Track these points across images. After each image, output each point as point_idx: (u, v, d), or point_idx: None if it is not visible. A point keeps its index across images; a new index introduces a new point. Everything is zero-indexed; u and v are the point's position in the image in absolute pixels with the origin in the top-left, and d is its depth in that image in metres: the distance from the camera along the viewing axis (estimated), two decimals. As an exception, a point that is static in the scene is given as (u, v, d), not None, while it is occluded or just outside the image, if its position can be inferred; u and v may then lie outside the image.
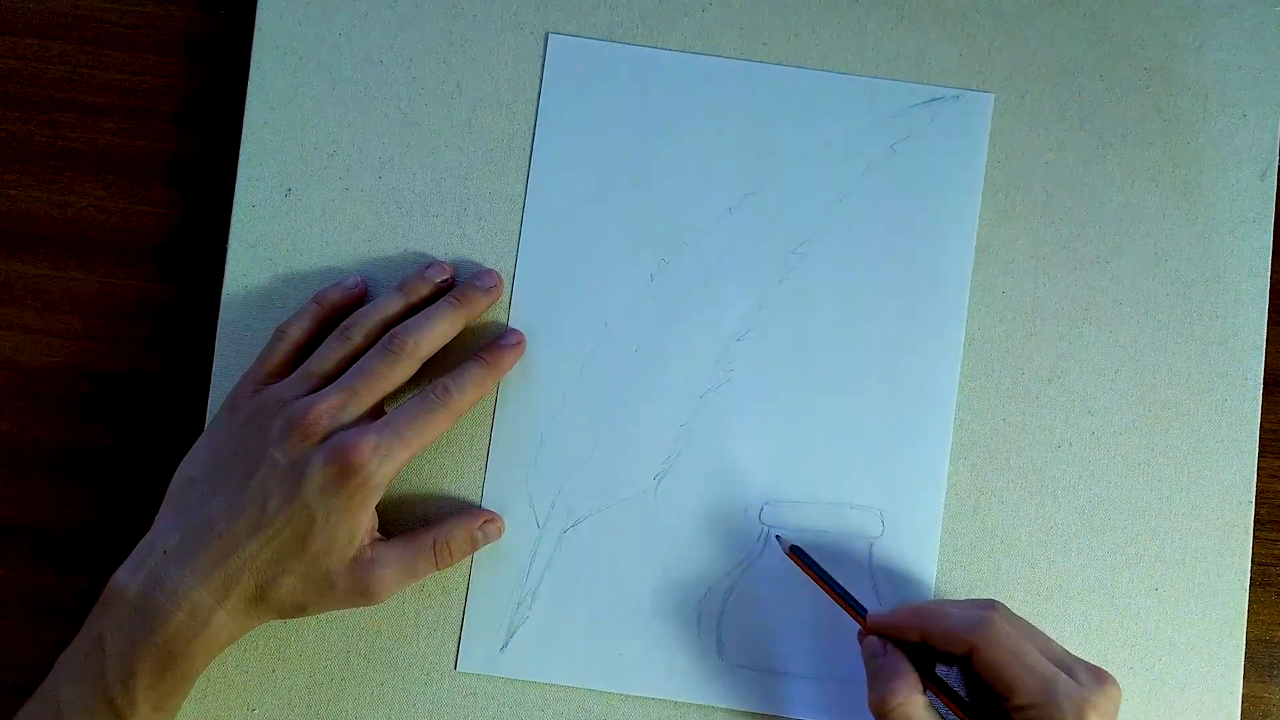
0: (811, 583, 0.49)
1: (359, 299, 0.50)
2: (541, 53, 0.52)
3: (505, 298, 0.51)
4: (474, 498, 0.50)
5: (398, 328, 0.48)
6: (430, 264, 0.50)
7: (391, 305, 0.49)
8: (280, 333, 0.49)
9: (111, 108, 0.53)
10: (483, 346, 0.49)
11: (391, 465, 0.45)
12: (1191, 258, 0.51)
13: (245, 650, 0.50)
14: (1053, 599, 0.50)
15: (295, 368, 0.48)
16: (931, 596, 0.50)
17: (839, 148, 0.51)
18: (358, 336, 0.48)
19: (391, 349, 0.47)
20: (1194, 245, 0.51)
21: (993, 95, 0.52)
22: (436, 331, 0.48)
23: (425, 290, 0.49)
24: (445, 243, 0.51)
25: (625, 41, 0.52)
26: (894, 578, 0.50)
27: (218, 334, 0.51)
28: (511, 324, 0.51)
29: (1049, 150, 0.52)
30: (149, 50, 0.53)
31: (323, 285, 0.50)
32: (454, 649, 0.50)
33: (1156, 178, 0.51)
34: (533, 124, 0.52)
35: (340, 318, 0.49)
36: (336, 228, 0.51)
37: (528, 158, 0.52)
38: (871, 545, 0.50)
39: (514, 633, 0.50)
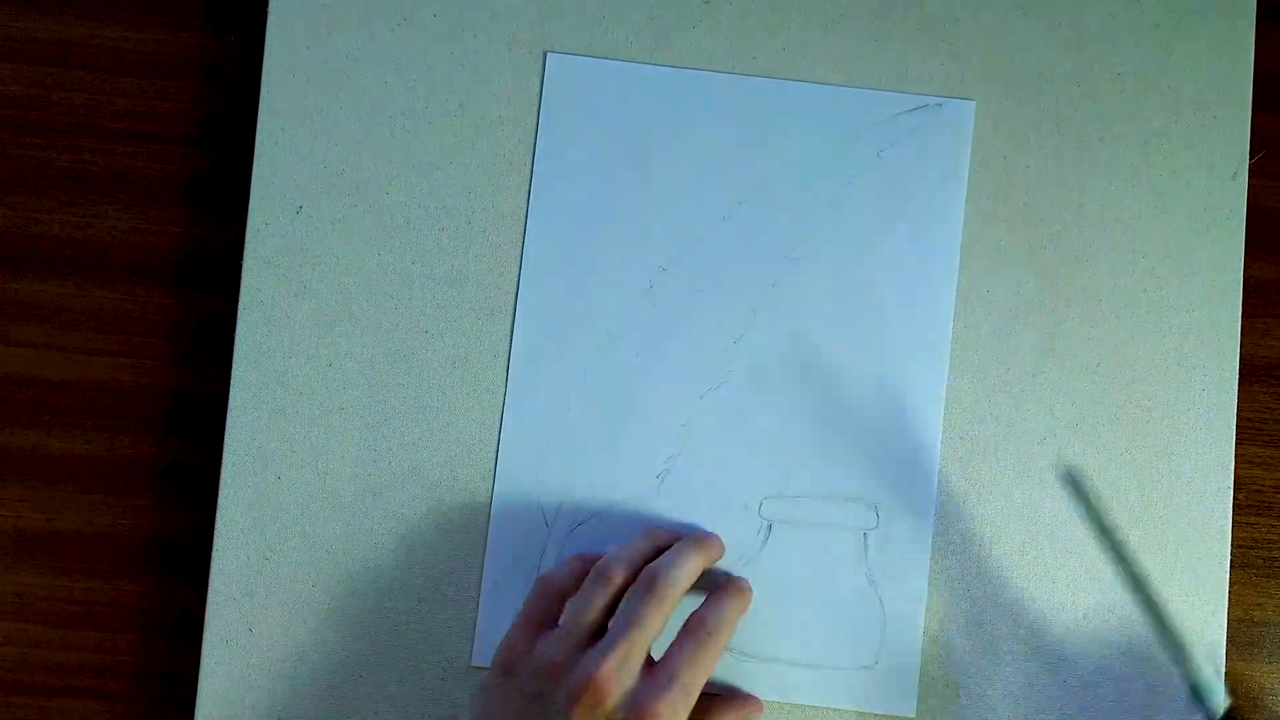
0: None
1: None
2: (540, 70, 0.54)
3: (510, 310, 0.53)
4: (483, 499, 0.52)
5: (654, 567, 0.47)
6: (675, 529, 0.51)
7: (642, 550, 0.49)
8: (546, 582, 0.48)
9: (128, 132, 0.55)
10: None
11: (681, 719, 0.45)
12: (1168, 255, 0.53)
13: (266, 651, 0.51)
14: (1041, 585, 0.52)
15: (560, 610, 0.48)
16: (925, 585, 0.52)
17: (828, 156, 0.53)
18: (618, 577, 0.47)
19: (656, 591, 0.46)
20: (1170, 243, 0.53)
21: (974, 103, 0.54)
22: (688, 571, 0.47)
23: (667, 537, 0.50)
24: (452, 255, 0.53)
25: (620, 58, 0.54)
26: (889, 567, 0.52)
27: (235, 347, 0.52)
28: (517, 335, 0.52)
29: (1028, 154, 0.53)
30: (163, 76, 0.55)
31: (333, 296, 0.52)
32: (469, 645, 0.52)
33: (1132, 179, 0.53)
34: (532, 140, 0.53)
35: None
36: (347, 242, 0.53)
37: (529, 172, 0.53)
38: (867, 536, 0.52)
39: None
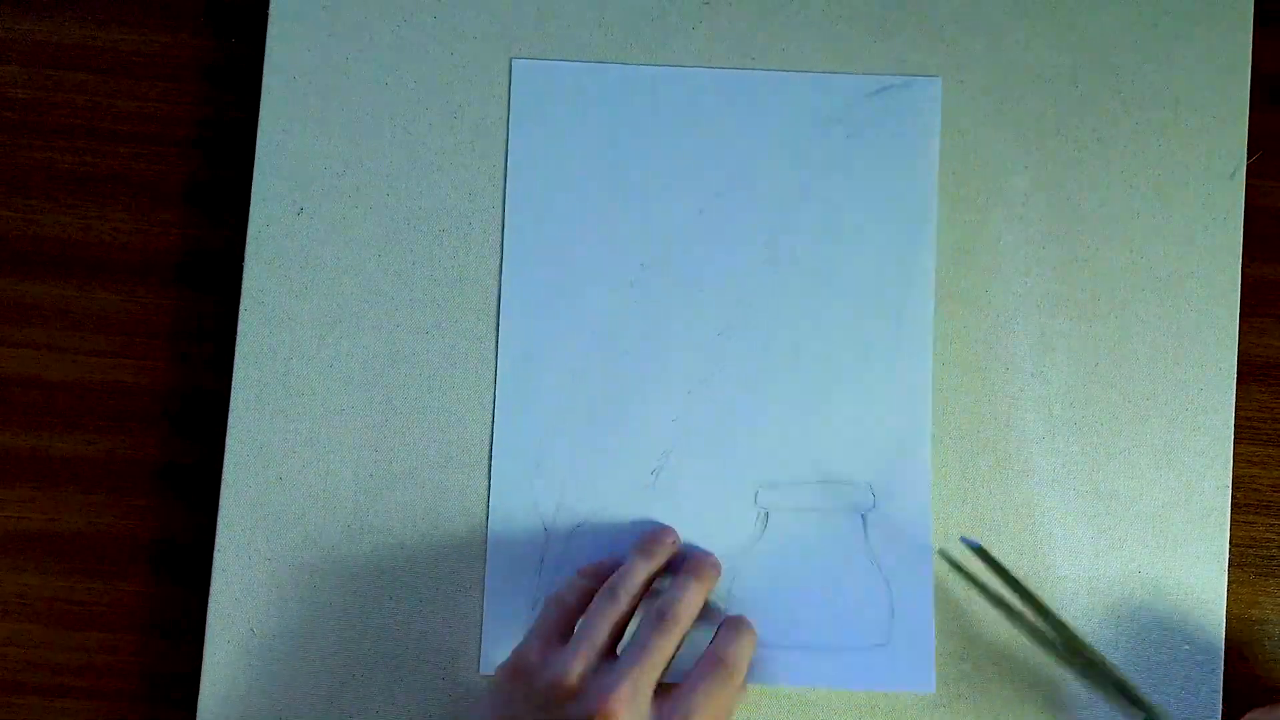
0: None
1: (617, 563, 0.51)
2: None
3: (493, 315, 0.53)
4: (480, 508, 0.52)
5: (667, 600, 0.48)
6: (663, 529, 0.51)
7: (644, 569, 0.49)
8: (555, 601, 0.49)
9: (130, 134, 0.55)
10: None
11: None
12: (1166, 254, 0.53)
13: (270, 653, 0.51)
14: (1041, 584, 0.52)
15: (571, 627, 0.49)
16: (931, 562, 0.51)
17: (799, 144, 0.53)
18: (624, 600, 0.48)
19: (666, 622, 0.47)
20: (1168, 242, 0.53)
21: (940, 79, 0.54)
22: (694, 601, 0.49)
23: (666, 556, 0.50)
24: (452, 256, 0.53)
25: (619, 60, 0.54)
26: (893, 547, 0.51)
27: (236, 347, 0.52)
28: (502, 340, 0.52)
29: (1027, 153, 0.54)
30: (164, 78, 0.55)
31: (334, 297, 0.53)
32: (474, 649, 0.52)
33: (1130, 179, 0.53)
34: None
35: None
36: (347, 244, 0.53)
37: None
38: (865, 518, 0.52)
39: None
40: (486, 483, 0.52)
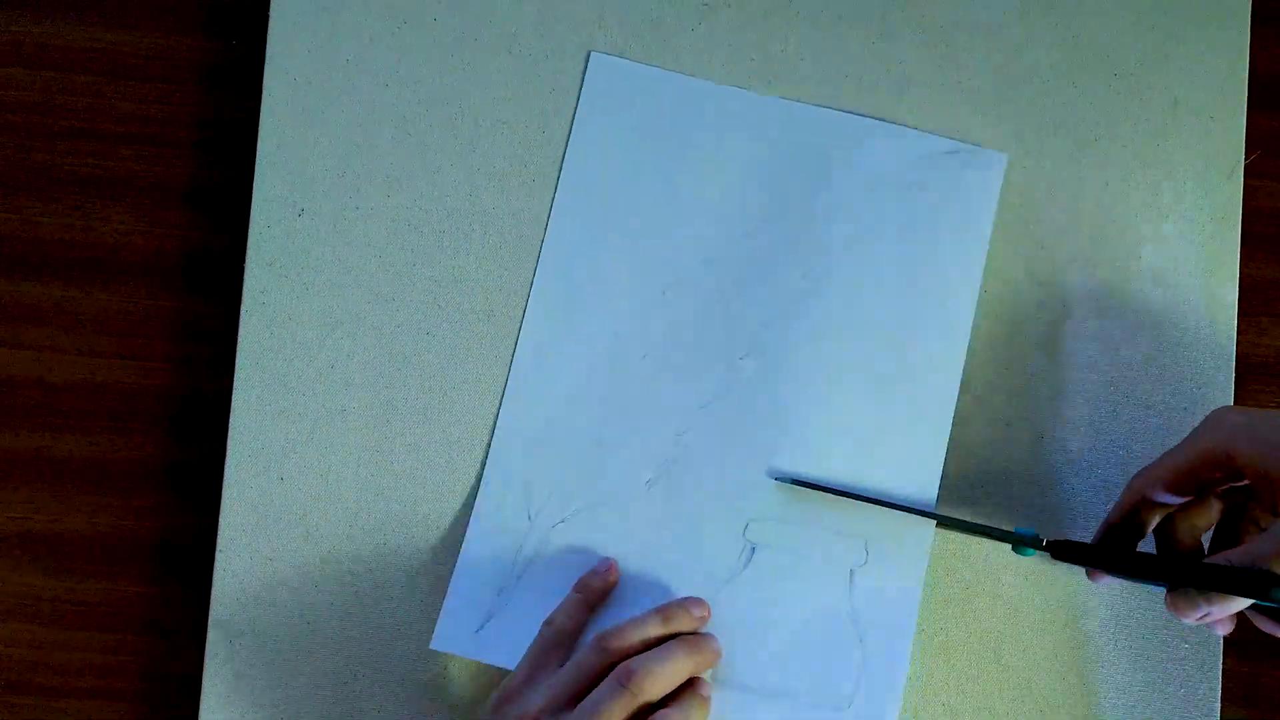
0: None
1: (614, 580, 0.51)
2: (539, 72, 0.54)
3: (511, 310, 0.53)
4: (471, 482, 0.52)
5: (636, 663, 0.46)
6: (698, 601, 0.50)
7: (653, 630, 0.48)
8: (549, 625, 0.49)
9: (131, 135, 0.55)
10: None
11: None
12: (1165, 256, 0.53)
13: (269, 652, 0.51)
14: (1041, 584, 0.52)
15: (566, 649, 0.49)
16: (913, 626, 0.50)
17: (857, 188, 0.53)
18: (614, 656, 0.47)
19: (628, 687, 0.45)
20: (1167, 243, 0.53)
21: (1006, 155, 0.53)
22: (668, 676, 0.47)
23: (685, 627, 0.49)
24: (452, 257, 0.53)
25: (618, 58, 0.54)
26: (875, 609, 0.50)
27: (237, 349, 0.53)
28: (526, 327, 0.53)
29: (1025, 154, 0.54)
30: (165, 80, 0.56)
31: (335, 298, 0.53)
32: (431, 626, 0.51)
33: (1129, 180, 0.54)
34: (534, 140, 0.54)
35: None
36: (348, 245, 0.53)
37: (531, 174, 0.54)
38: (853, 574, 0.50)
39: (491, 617, 0.51)
40: (479, 464, 0.52)
